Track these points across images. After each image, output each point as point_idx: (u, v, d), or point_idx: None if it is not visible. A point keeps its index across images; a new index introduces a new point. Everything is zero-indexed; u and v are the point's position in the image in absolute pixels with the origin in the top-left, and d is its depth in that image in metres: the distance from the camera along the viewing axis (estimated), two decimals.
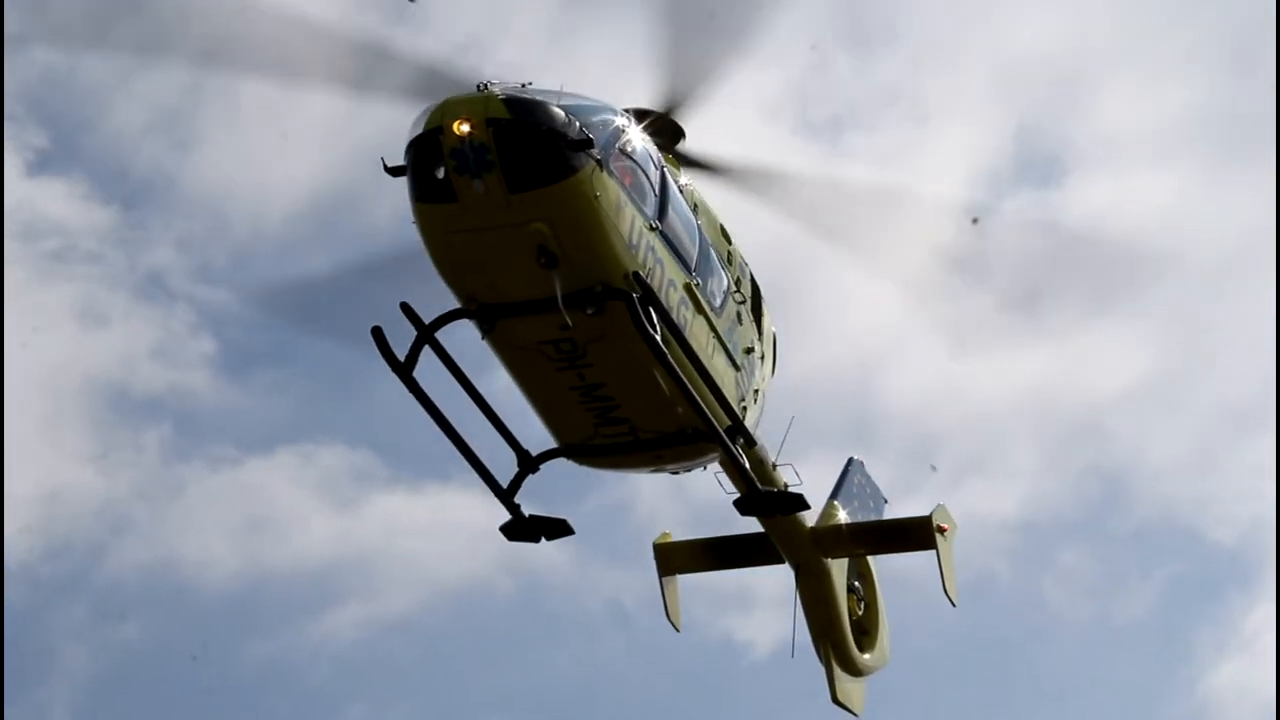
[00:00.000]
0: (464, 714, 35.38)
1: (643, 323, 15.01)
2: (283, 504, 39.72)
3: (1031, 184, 38.49)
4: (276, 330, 34.51)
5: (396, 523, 38.75)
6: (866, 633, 21.57)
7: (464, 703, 35.59)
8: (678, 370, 15.68)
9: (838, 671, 20.84)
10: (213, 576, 38.35)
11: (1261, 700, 35.28)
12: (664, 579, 20.78)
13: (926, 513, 20.31)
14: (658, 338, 15.11)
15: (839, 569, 20.84)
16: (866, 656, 21.31)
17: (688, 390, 15.83)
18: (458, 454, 17.04)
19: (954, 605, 20.59)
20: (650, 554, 20.77)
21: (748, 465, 17.05)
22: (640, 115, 16.17)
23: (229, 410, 40.66)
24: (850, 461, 21.49)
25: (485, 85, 14.24)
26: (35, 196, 39.05)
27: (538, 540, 17.64)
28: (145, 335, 39.40)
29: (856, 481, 21.23)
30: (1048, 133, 38.39)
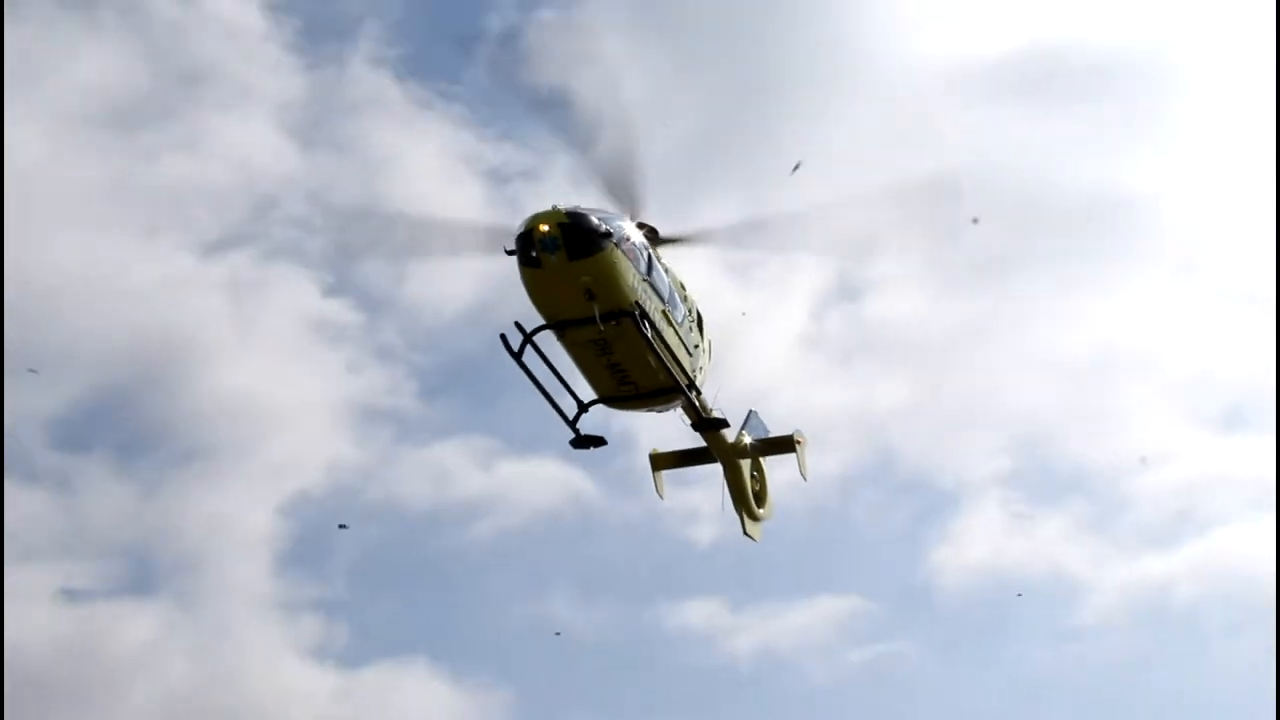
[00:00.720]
0: (548, 575, 62.26)
1: (642, 329, 23.58)
2: (453, 465, 65.28)
3: (847, 300, 65.26)
4: (450, 378, 63.35)
5: (511, 476, 64.55)
6: (760, 499, 31.13)
7: (545, 569, 62.29)
8: (660, 355, 24.25)
9: (745, 519, 30.67)
10: (417, 502, 64.53)
11: (955, 567, 62.99)
12: (655, 473, 30.35)
13: (790, 434, 30.79)
14: (649, 337, 23.72)
15: (746, 465, 30.49)
16: (761, 510, 31.04)
17: (666, 366, 24.53)
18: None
19: (805, 480, 30.93)
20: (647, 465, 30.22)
21: (698, 405, 26.44)
22: (640, 225, 24.78)
23: (425, 419, 67.11)
24: (750, 412, 31.12)
25: (556, 206, 22.88)
26: (325, 310, 65.85)
27: (588, 448, 25.98)
28: (381, 380, 65.61)
29: (753, 421, 30.82)
30: (853, 273, 61.69)
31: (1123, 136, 68.43)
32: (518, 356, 24.89)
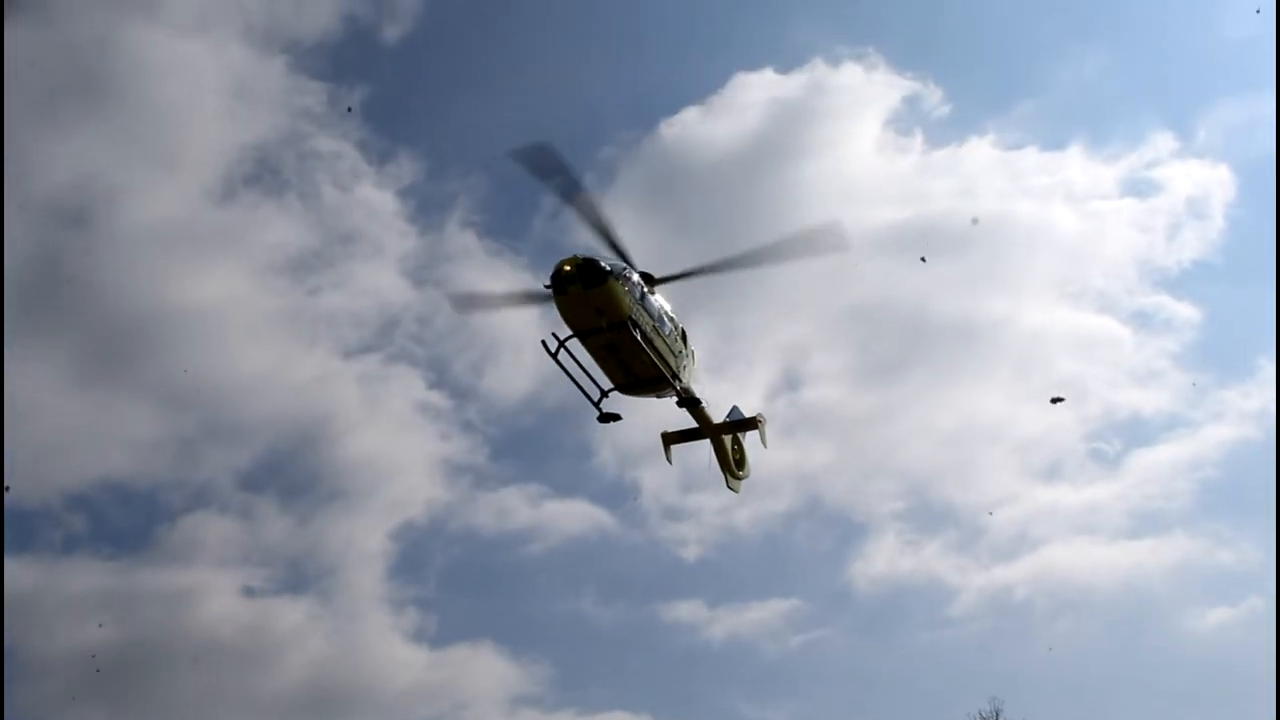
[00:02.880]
0: (578, 583, 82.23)
1: (634, 337, 30.67)
2: (512, 505, 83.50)
3: (789, 390, 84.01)
4: (512, 444, 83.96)
5: (553, 512, 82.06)
6: (740, 464, 38.09)
7: (576, 579, 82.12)
8: (651, 355, 31.45)
9: (728, 478, 37.57)
10: (487, 531, 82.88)
11: (865, 577, 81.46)
12: (666, 447, 36.83)
13: (754, 416, 37.60)
14: (640, 341, 30.81)
15: (729, 439, 37.63)
16: (741, 473, 38.11)
17: (654, 362, 31.75)
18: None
19: (765, 447, 37.89)
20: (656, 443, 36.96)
21: (679, 390, 33.95)
22: (642, 273, 31.56)
23: (493, 472, 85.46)
24: (734, 407, 38.39)
25: (575, 254, 29.79)
26: (428, 398, 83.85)
27: (609, 422, 32.68)
28: (464, 445, 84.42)
29: (735, 413, 38.11)
30: (797, 369, 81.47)
31: (978, 281, 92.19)
32: (555, 356, 31.74)
